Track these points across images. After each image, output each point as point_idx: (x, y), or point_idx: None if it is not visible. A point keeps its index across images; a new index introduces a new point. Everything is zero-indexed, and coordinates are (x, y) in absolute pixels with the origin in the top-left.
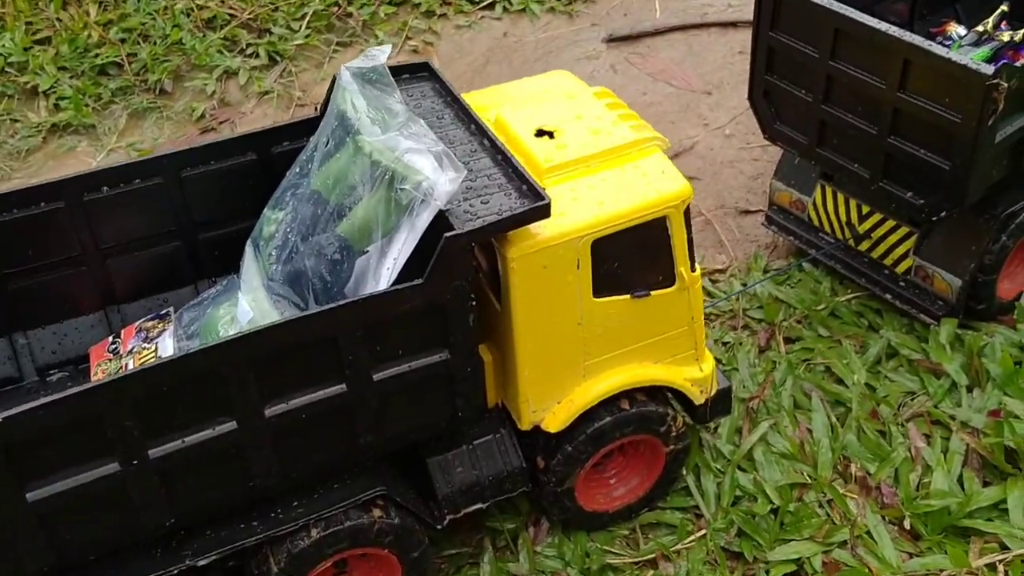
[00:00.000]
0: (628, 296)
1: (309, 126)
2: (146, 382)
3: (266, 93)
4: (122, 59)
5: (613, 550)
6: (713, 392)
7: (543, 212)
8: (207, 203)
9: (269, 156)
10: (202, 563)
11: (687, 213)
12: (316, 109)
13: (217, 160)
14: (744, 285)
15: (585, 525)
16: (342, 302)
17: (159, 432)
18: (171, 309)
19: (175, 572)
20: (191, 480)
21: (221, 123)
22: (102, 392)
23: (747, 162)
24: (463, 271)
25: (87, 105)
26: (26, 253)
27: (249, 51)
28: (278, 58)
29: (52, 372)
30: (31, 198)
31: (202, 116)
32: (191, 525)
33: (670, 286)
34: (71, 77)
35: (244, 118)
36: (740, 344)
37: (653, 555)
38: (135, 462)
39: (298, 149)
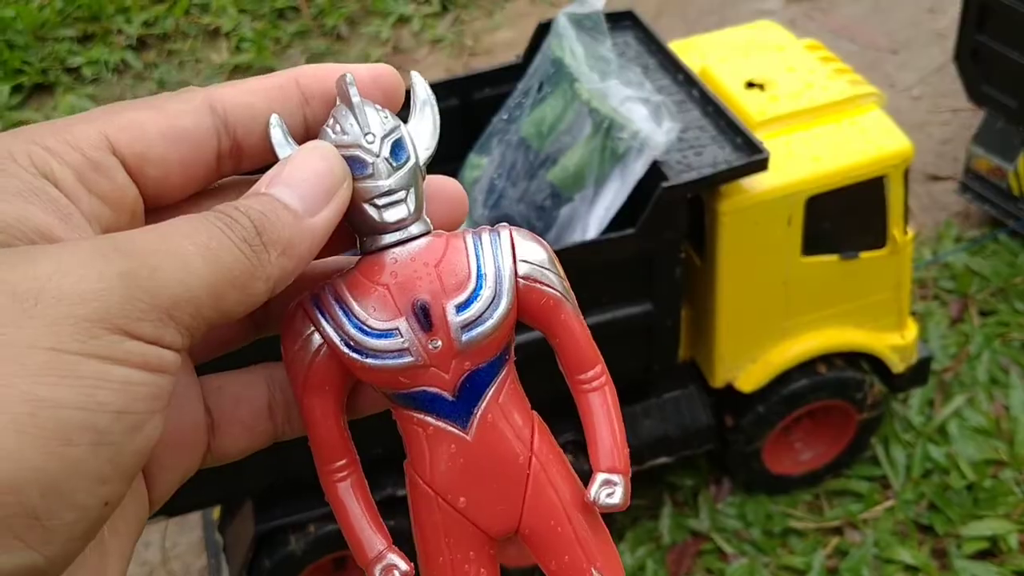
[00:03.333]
0: (837, 256)
1: (510, 73)
2: None
3: (438, 41)
4: (300, 3)
5: (796, 514)
6: (913, 361)
7: (761, 166)
8: None
9: (470, 102)
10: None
11: (906, 174)
12: (517, 57)
13: None
14: (935, 254)
15: (768, 487)
16: (558, 247)
17: None
18: None
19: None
20: None
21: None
22: None
23: (936, 126)
24: (676, 223)
25: (267, 48)
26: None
27: None
28: (450, 6)
29: None
30: None
31: (377, 63)
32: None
33: (880, 248)
34: (251, 20)
35: (417, 65)
36: (930, 315)
37: (838, 522)
38: None
39: (498, 96)
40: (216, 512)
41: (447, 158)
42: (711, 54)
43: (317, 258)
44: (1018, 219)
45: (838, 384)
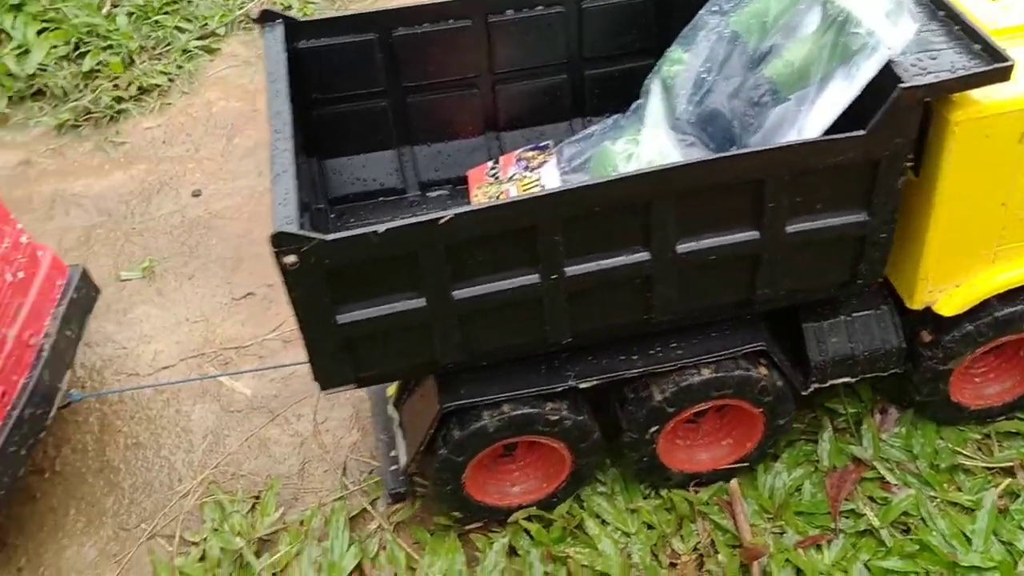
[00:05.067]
0: None
1: None
2: (582, 200)
3: None
4: None
5: (964, 452)
6: None
7: (1004, 74)
8: (599, 37)
9: None
10: (583, 386)
11: None
12: None
13: None
14: None
15: (941, 415)
16: (780, 144)
17: (579, 251)
18: (550, 142)
19: (558, 389)
20: (596, 303)
21: None
22: (540, 202)
23: None
24: (909, 128)
25: None
26: (426, 69)
27: None
28: None
29: (433, 188)
30: (441, 14)
31: None
32: (583, 347)
33: None
34: None
35: None
36: None
37: (1010, 463)
38: (553, 276)
39: None
40: (391, 389)
41: (634, 54)
42: None
43: None
44: None
45: None
